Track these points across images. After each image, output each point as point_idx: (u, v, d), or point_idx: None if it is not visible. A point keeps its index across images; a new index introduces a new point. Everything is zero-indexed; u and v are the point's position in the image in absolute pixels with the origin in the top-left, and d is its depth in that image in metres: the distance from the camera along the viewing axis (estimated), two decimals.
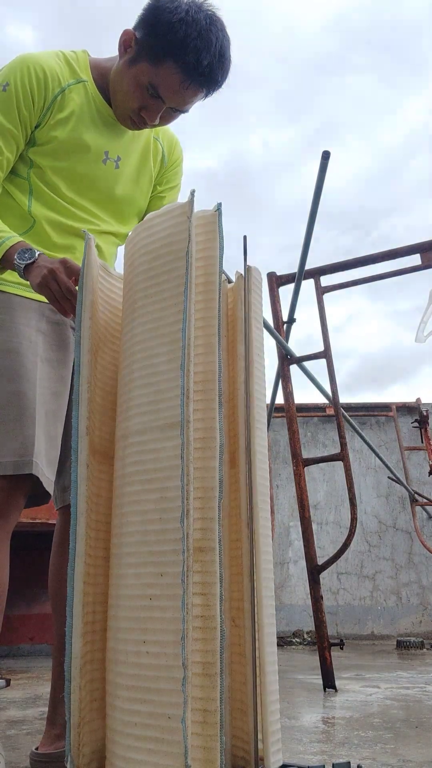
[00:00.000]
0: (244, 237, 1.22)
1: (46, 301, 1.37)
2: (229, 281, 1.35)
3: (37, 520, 3.34)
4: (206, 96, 1.37)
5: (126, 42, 1.36)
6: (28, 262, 1.25)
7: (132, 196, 1.53)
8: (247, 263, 1.24)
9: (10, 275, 1.36)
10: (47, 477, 1.33)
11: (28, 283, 1.34)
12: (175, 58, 1.28)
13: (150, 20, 1.31)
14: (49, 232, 1.40)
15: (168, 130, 1.57)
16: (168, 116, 1.41)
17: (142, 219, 1.61)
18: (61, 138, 1.37)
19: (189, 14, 1.27)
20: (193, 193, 1.09)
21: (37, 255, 1.26)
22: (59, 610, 1.41)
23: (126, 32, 1.35)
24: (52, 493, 1.37)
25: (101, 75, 1.42)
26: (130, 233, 1.24)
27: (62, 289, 1.23)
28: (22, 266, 1.26)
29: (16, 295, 1.37)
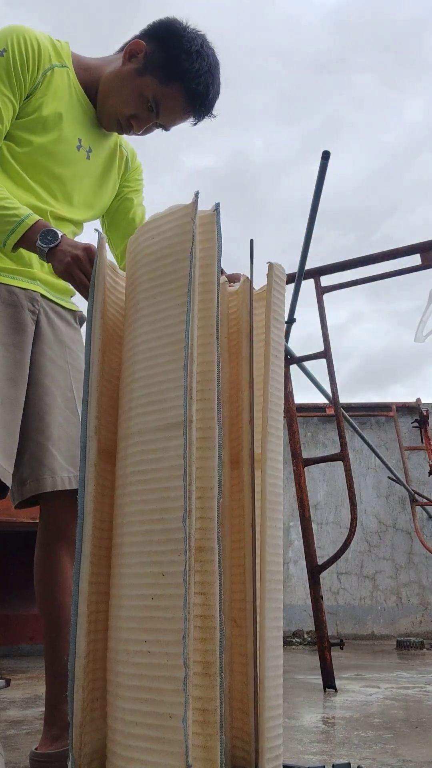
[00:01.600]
0: (251, 241, 1.21)
1: (4, 281, 1.36)
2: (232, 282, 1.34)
3: (38, 521, 3.33)
4: (194, 125, 1.45)
5: (134, 51, 1.40)
6: (52, 246, 1.23)
7: (99, 191, 1.53)
8: (247, 265, 1.23)
9: None
10: (4, 468, 1.27)
11: None
12: (185, 84, 1.36)
13: (165, 40, 1.38)
14: None
15: (128, 141, 1.62)
16: (149, 130, 1.46)
17: (103, 218, 1.63)
18: (45, 114, 1.36)
19: (203, 48, 1.37)
20: (197, 194, 1.09)
21: (60, 238, 1.23)
22: (49, 614, 1.38)
23: (138, 43, 1.40)
24: (9, 486, 1.31)
25: (84, 70, 1.44)
26: (132, 235, 1.23)
27: (88, 278, 1.22)
28: (46, 250, 1.23)
29: None
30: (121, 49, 1.45)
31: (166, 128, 1.47)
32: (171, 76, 1.36)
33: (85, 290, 1.23)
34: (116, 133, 1.56)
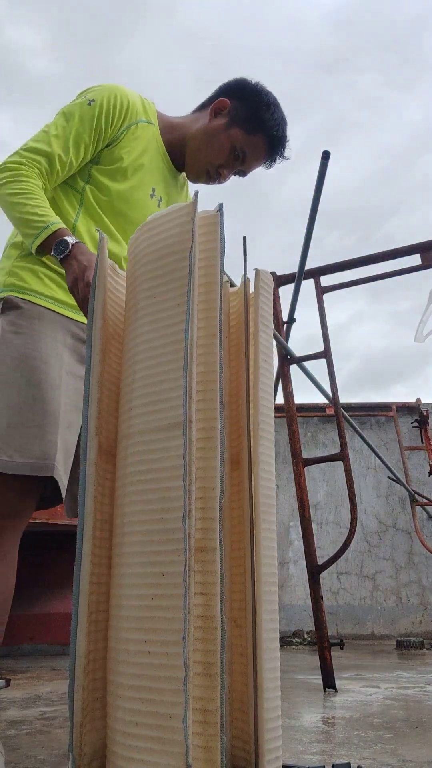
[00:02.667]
0: (244, 238, 1.21)
1: (73, 317, 1.46)
2: (232, 284, 1.35)
3: (38, 520, 3.34)
4: (268, 168, 1.64)
5: (220, 108, 1.58)
6: (61, 256, 1.32)
7: None
8: (249, 265, 1.23)
9: (46, 289, 1.43)
10: (64, 483, 1.36)
11: (58, 298, 1.44)
12: (268, 133, 1.56)
13: (245, 97, 1.57)
14: (93, 250, 1.46)
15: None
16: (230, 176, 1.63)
17: None
18: (126, 162, 1.50)
19: (276, 101, 1.57)
20: (196, 194, 1.10)
21: (69, 248, 1.31)
22: None
23: (223, 101, 1.58)
24: (63, 497, 1.41)
25: (170, 128, 1.61)
26: (133, 234, 1.24)
27: (85, 298, 1.28)
28: (59, 258, 1.32)
29: (47, 308, 1.42)
30: (200, 108, 1.63)
31: (244, 174, 1.63)
32: (255, 127, 1.55)
33: (82, 306, 1.30)
34: (185, 190, 1.70)
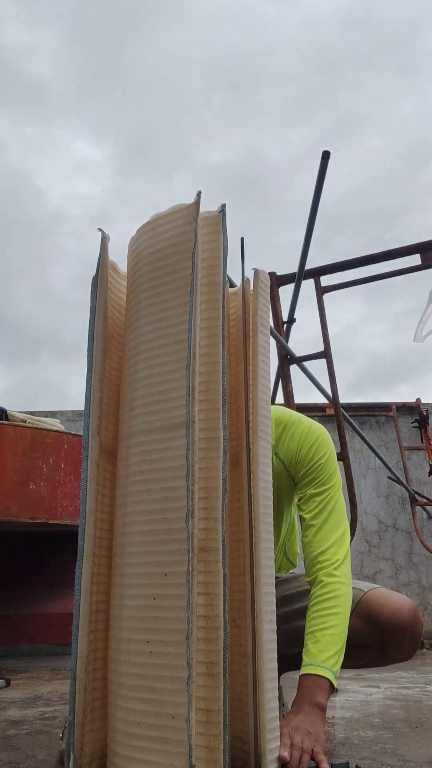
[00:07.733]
0: (242, 239, 1.21)
1: None
2: (232, 285, 1.34)
3: (38, 520, 3.33)
4: None
5: None
6: None
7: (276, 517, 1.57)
8: (257, 264, 1.23)
9: None
10: None
11: None
12: None
13: None
14: None
15: (290, 441, 1.54)
16: None
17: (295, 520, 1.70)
18: None
19: None
20: (199, 194, 1.09)
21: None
22: None
23: None
24: None
25: None
26: (134, 234, 1.24)
27: None
28: None
29: None
30: None
31: None
32: None
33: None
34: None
